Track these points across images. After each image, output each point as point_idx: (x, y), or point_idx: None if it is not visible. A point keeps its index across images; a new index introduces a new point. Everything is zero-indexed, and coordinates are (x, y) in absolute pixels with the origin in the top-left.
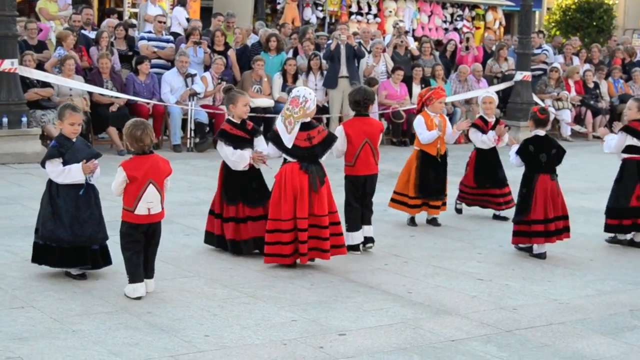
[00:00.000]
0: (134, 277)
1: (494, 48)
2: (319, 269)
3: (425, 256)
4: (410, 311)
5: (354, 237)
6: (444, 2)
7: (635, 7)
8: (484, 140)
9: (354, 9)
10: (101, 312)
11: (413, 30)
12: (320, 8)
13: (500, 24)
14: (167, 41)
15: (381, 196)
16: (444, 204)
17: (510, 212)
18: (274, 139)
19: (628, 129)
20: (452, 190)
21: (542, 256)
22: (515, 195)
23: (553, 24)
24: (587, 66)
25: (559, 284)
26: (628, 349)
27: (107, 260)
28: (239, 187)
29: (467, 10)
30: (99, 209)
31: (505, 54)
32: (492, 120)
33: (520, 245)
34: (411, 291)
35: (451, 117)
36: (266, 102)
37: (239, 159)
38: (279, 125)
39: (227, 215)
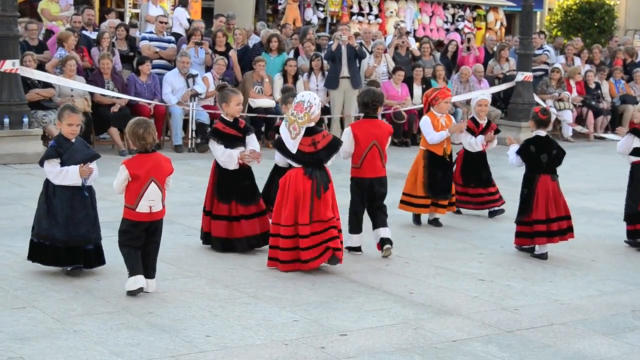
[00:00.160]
0: (133, 270)
1: (495, 49)
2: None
3: (426, 257)
4: (411, 311)
5: (354, 240)
6: (445, 3)
7: (637, 8)
8: (471, 143)
9: (355, 9)
10: (103, 312)
11: (414, 30)
12: (321, 9)
13: (502, 24)
14: (169, 42)
15: None
16: (452, 204)
17: (506, 206)
18: (279, 145)
19: (636, 131)
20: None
21: (543, 257)
22: (504, 194)
23: (554, 25)
24: (588, 67)
25: (560, 284)
26: (629, 349)
27: (100, 260)
28: (231, 186)
29: (468, 10)
30: (94, 209)
31: (506, 55)
32: (483, 122)
33: (523, 246)
34: (412, 291)
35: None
36: (267, 102)
37: (229, 159)
38: (283, 130)
39: (217, 213)
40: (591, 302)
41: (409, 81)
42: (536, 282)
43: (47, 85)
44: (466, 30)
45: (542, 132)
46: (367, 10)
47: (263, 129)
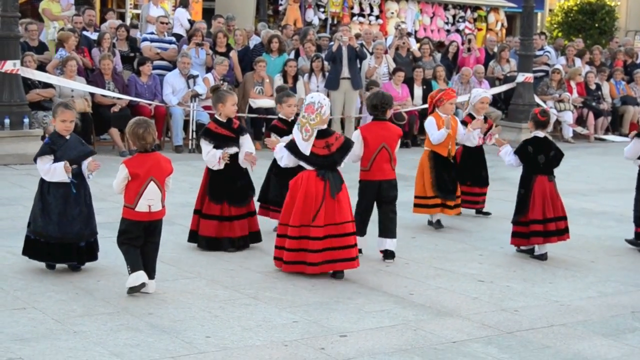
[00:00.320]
0: (133, 267)
1: (495, 49)
2: None
3: (426, 258)
4: (411, 312)
5: (358, 242)
6: (446, 4)
7: (637, 9)
8: (468, 137)
9: (356, 10)
10: (102, 313)
11: (415, 31)
12: (322, 9)
13: (502, 25)
14: (170, 42)
15: None
16: (457, 205)
17: (492, 207)
18: (292, 148)
19: None
20: None
21: (543, 257)
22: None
23: (555, 26)
24: (588, 68)
25: (560, 285)
26: (629, 350)
27: (92, 256)
28: (224, 186)
29: (469, 11)
30: (89, 206)
31: (507, 56)
32: (480, 118)
33: (522, 248)
34: (412, 293)
35: None
36: (268, 103)
37: (211, 158)
38: (296, 133)
39: (208, 212)
40: (591, 303)
41: (409, 82)
42: (536, 284)
43: (47, 85)
44: (467, 31)
45: (541, 133)
46: (368, 11)
47: (264, 129)
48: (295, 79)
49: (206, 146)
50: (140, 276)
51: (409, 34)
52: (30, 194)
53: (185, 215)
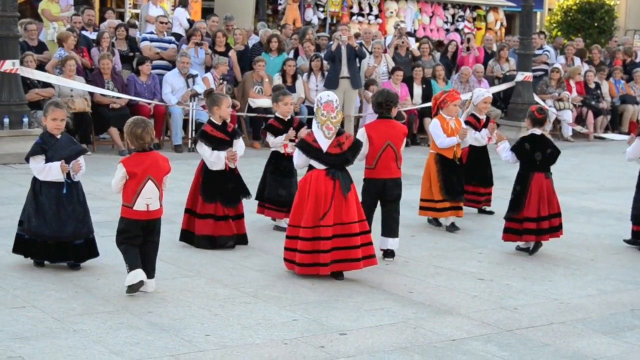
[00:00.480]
0: (132, 265)
1: (494, 48)
2: None
3: (426, 256)
4: (411, 311)
5: None
6: (445, 3)
7: (637, 8)
8: (477, 138)
9: (355, 9)
10: (102, 311)
11: (414, 31)
12: (321, 9)
13: (502, 24)
14: (169, 42)
15: None
16: (461, 207)
17: (492, 205)
18: (303, 146)
19: None
20: None
21: (529, 250)
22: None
23: (554, 25)
24: (587, 67)
25: (559, 283)
26: (629, 348)
27: (92, 253)
28: (217, 186)
29: (468, 11)
30: (83, 204)
31: (506, 55)
32: (483, 118)
33: (520, 246)
34: (412, 291)
35: None
36: (267, 102)
37: (216, 160)
38: (317, 132)
39: (203, 212)
40: (590, 301)
41: (408, 81)
42: (536, 282)
43: (47, 85)
44: (466, 30)
45: (538, 131)
46: (367, 10)
47: (262, 127)
48: (295, 78)
49: (206, 148)
50: (139, 274)
51: (408, 34)
52: None
53: None
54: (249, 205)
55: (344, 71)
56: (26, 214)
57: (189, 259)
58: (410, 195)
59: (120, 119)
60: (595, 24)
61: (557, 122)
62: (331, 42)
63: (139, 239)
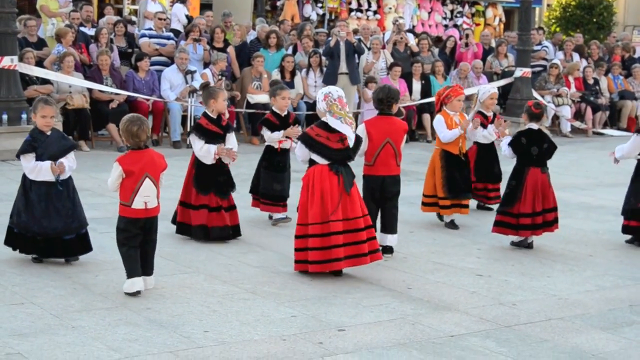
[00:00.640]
0: (131, 272)
1: (493, 44)
2: None
3: (424, 252)
4: (409, 307)
5: None
6: None
7: (635, 4)
8: (485, 135)
9: (354, 5)
10: (101, 308)
11: (413, 26)
12: (320, 5)
13: (500, 20)
14: (168, 38)
15: None
16: (465, 206)
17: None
18: (306, 140)
19: None
20: None
21: (522, 244)
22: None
23: (553, 21)
24: (586, 62)
25: (558, 279)
26: (627, 344)
27: (86, 248)
28: (210, 178)
29: (467, 6)
30: (72, 200)
31: (504, 51)
32: (490, 114)
33: (514, 241)
34: (410, 287)
35: None
36: (266, 98)
37: (206, 153)
38: (341, 127)
39: (198, 203)
40: (589, 297)
41: (408, 77)
42: (534, 277)
43: (45, 81)
44: (465, 26)
45: (535, 126)
46: (365, 6)
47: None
48: (293, 74)
49: (198, 141)
50: (136, 283)
51: (411, 32)
52: None
53: None
54: (244, 200)
55: (343, 67)
56: (16, 209)
57: (187, 256)
58: (409, 192)
59: (119, 115)
60: (594, 20)
61: (556, 117)
62: (330, 38)
63: (139, 238)
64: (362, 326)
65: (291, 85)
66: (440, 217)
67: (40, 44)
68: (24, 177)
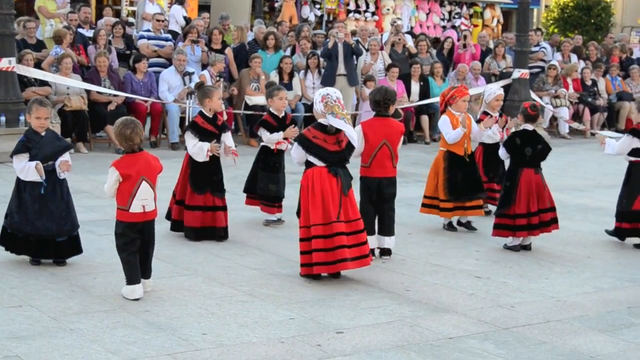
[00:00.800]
0: (131, 279)
1: (491, 45)
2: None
3: (422, 254)
4: (407, 309)
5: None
6: (442, 0)
7: (634, 5)
8: (490, 135)
9: (352, 6)
10: (99, 310)
11: (411, 28)
12: (318, 6)
13: (498, 21)
14: (166, 39)
15: None
16: (481, 206)
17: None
18: (303, 141)
19: (635, 132)
20: None
21: (516, 248)
22: None
23: (551, 22)
24: (584, 64)
25: (556, 281)
26: (625, 346)
27: (76, 250)
28: (206, 177)
29: (465, 8)
30: (65, 202)
31: (502, 52)
32: (496, 115)
33: (507, 245)
34: (409, 289)
35: None
36: (264, 100)
37: (199, 151)
38: (345, 126)
39: (192, 204)
40: (587, 299)
41: (406, 78)
42: (532, 279)
43: (44, 83)
44: (463, 27)
45: (530, 127)
46: (363, 7)
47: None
48: (291, 75)
49: (192, 139)
50: (136, 290)
51: (410, 33)
52: None
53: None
54: (242, 201)
55: (341, 68)
56: (9, 209)
57: (185, 258)
58: (407, 193)
59: (117, 117)
60: (592, 21)
61: (554, 119)
62: (328, 40)
63: (138, 242)
64: (360, 328)
65: (289, 86)
66: (449, 225)
67: (40, 45)
68: (19, 177)
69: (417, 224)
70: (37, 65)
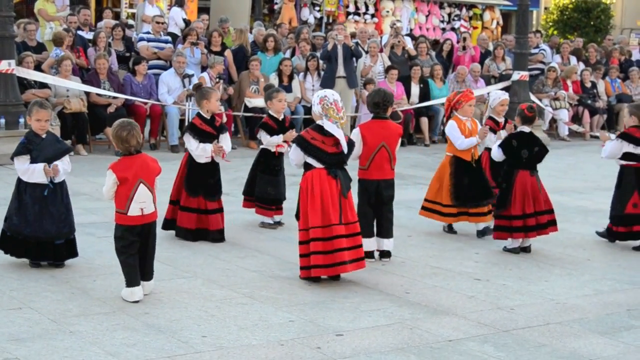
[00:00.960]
0: (130, 282)
1: (490, 47)
2: None
3: (422, 256)
4: (407, 311)
5: (366, 244)
6: (442, 2)
7: (633, 7)
8: (495, 141)
9: (352, 9)
10: (99, 312)
11: (410, 30)
12: (317, 8)
13: (498, 23)
14: (166, 42)
15: None
16: (490, 212)
17: None
18: (301, 143)
19: (625, 136)
20: None
21: (515, 251)
22: None
23: (550, 24)
24: (583, 66)
25: (556, 283)
26: (625, 348)
27: (72, 253)
28: (200, 180)
29: (464, 10)
30: (65, 204)
31: (501, 54)
32: (502, 120)
33: (507, 247)
34: (408, 291)
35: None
36: (263, 102)
37: (202, 152)
38: (337, 131)
39: (186, 205)
40: (587, 301)
41: (406, 80)
42: (532, 282)
43: (43, 85)
44: (462, 29)
45: (527, 129)
46: (363, 9)
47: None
48: (291, 78)
49: (193, 141)
50: (135, 293)
51: (410, 36)
52: None
53: None
54: (238, 204)
55: (340, 71)
56: (9, 211)
57: (185, 260)
58: (407, 196)
59: (117, 119)
60: (592, 23)
61: (554, 121)
62: (327, 42)
63: (136, 245)
64: (360, 331)
65: (289, 88)
66: (450, 228)
67: (40, 48)
68: (19, 179)
69: (417, 226)
70: (38, 67)
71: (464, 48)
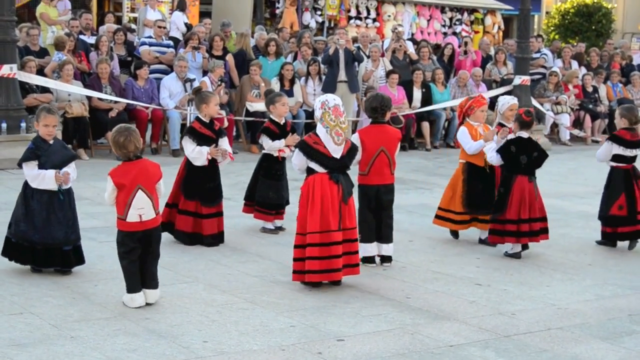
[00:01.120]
0: (131, 288)
1: (492, 52)
2: None
3: (423, 261)
4: (408, 316)
5: (367, 249)
6: (443, 7)
7: (634, 11)
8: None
9: (353, 13)
10: (100, 318)
11: (412, 34)
12: (319, 12)
13: (499, 28)
14: (168, 46)
15: None
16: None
17: None
18: (304, 147)
19: (614, 138)
20: None
21: (517, 256)
22: None
23: (552, 28)
24: (585, 70)
25: (557, 288)
26: (627, 354)
27: (80, 260)
28: (197, 185)
29: (466, 14)
30: (73, 210)
31: (503, 58)
32: (511, 126)
33: (508, 252)
34: (410, 296)
35: (450, 121)
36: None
37: (198, 155)
38: (325, 137)
39: (184, 208)
40: (588, 306)
41: (408, 85)
42: (533, 287)
43: (45, 90)
44: (464, 33)
45: (525, 134)
46: (364, 14)
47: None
48: (292, 82)
49: (190, 144)
50: (136, 299)
51: (412, 41)
52: None
53: None
54: (240, 208)
55: (342, 75)
56: (14, 218)
57: (186, 265)
58: (408, 200)
59: (118, 123)
60: (593, 27)
61: (555, 125)
62: (329, 46)
63: (137, 251)
64: (361, 336)
65: (290, 93)
66: (454, 233)
67: (42, 52)
68: (25, 185)
69: (418, 231)
70: (40, 71)
71: (465, 52)
